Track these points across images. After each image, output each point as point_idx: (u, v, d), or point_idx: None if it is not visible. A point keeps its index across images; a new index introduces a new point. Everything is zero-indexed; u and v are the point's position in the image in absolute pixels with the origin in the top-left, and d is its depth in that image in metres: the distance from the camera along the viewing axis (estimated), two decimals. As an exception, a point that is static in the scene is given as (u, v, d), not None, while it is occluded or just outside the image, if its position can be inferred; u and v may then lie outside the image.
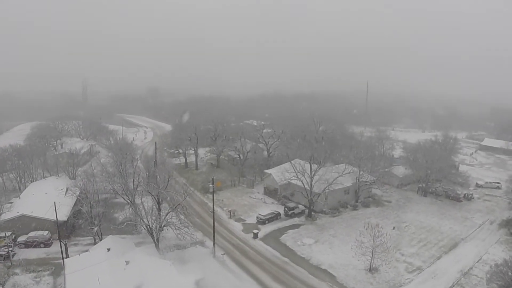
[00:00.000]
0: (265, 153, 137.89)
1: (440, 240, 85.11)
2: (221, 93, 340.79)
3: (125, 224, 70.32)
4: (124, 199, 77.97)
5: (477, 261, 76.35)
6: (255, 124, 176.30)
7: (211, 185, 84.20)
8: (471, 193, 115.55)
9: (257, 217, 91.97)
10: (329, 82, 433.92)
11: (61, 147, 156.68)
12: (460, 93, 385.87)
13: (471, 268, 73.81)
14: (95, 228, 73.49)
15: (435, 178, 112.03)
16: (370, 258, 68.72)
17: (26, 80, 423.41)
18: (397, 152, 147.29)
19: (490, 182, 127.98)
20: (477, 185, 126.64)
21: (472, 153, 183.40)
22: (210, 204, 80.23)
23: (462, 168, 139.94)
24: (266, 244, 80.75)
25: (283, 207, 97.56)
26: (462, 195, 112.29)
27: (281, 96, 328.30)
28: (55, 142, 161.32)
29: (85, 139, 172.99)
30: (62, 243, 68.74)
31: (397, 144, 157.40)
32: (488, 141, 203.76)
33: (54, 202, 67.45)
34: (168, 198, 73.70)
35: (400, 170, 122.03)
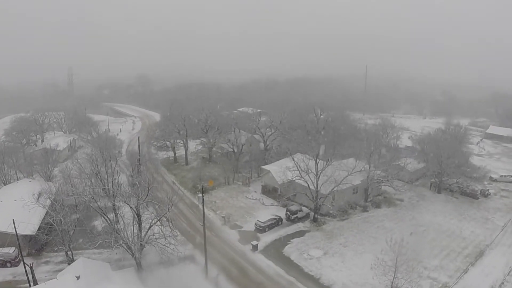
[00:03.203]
0: (262, 144, 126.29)
1: (464, 248, 74.98)
2: (212, 80, 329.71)
3: (98, 244, 58.95)
4: (97, 210, 66.03)
5: (508, 274, 66.69)
6: (250, 112, 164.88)
7: (200, 195, 72.02)
8: (487, 188, 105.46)
9: (255, 224, 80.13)
10: (322, 67, 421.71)
11: (41, 143, 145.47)
12: (456, 78, 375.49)
13: (503, 282, 64.23)
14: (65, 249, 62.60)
15: (452, 173, 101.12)
16: (392, 278, 58.14)
17: (11, 71, 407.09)
18: (403, 142, 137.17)
19: (505, 176, 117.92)
20: (492, 179, 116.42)
21: (479, 142, 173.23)
22: (201, 207, 69.37)
23: (472, 159, 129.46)
24: (268, 258, 69.55)
25: (285, 210, 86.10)
26: (479, 192, 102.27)
27: (274, 81, 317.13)
28: (35, 137, 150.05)
29: (67, 133, 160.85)
30: (26, 266, 57.67)
31: (401, 133, 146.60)
32: (493, 129, 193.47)
33: (13, 220, 55.91)
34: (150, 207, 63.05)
35: (413, 165, 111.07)
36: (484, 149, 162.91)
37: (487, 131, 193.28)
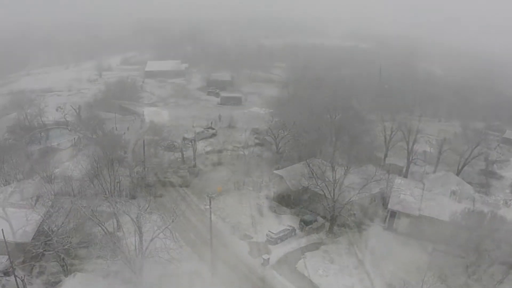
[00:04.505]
0: (273, 147, 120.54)
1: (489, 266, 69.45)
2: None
3: (93, 258, 54.08)
4: (94, 220, 61.18)
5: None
6: (262, 112, 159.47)
7: (207, 206, 66.46)
8: (510, 198, 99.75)
9: (267, 235, 74.93)
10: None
11: (46, 141, 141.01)
12: (468, 80, 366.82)
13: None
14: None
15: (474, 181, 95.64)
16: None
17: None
18: (420, 147, 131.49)
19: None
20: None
21: (496, 147, 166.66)
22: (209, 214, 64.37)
23: (497, 167, 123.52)
24: (280, 274, 64.49)
25: (298, 219, 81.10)
26: (501, 202, 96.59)
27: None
28: (39, 135, 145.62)
29: (73, 131, 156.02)
30: (17, 279, 53.00)
31: (419, 137, 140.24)
32: (511, 134, 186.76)
33: (1, 229, 51.24)
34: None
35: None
36: (503, 155, 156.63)
37: (504, 136, 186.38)
